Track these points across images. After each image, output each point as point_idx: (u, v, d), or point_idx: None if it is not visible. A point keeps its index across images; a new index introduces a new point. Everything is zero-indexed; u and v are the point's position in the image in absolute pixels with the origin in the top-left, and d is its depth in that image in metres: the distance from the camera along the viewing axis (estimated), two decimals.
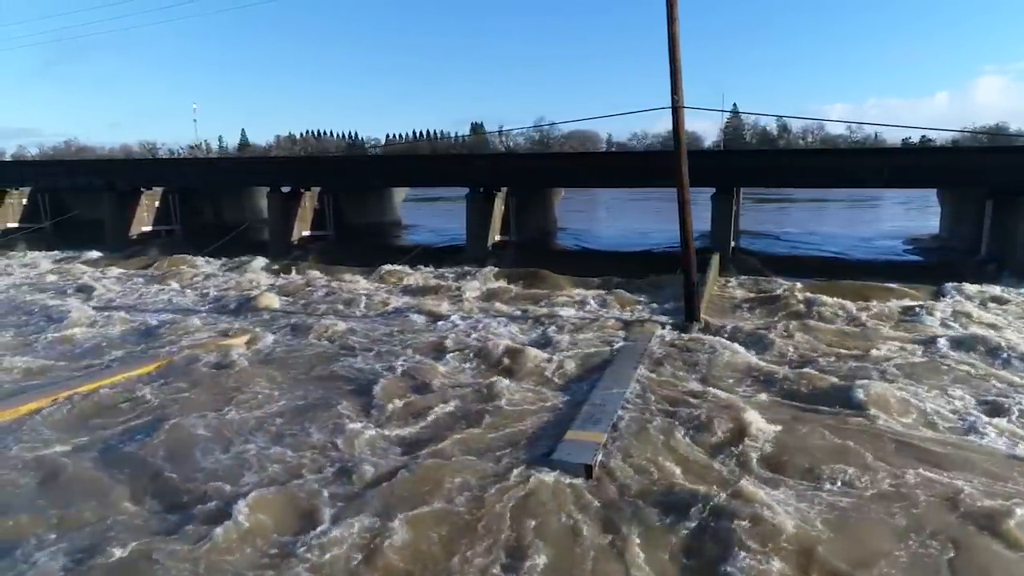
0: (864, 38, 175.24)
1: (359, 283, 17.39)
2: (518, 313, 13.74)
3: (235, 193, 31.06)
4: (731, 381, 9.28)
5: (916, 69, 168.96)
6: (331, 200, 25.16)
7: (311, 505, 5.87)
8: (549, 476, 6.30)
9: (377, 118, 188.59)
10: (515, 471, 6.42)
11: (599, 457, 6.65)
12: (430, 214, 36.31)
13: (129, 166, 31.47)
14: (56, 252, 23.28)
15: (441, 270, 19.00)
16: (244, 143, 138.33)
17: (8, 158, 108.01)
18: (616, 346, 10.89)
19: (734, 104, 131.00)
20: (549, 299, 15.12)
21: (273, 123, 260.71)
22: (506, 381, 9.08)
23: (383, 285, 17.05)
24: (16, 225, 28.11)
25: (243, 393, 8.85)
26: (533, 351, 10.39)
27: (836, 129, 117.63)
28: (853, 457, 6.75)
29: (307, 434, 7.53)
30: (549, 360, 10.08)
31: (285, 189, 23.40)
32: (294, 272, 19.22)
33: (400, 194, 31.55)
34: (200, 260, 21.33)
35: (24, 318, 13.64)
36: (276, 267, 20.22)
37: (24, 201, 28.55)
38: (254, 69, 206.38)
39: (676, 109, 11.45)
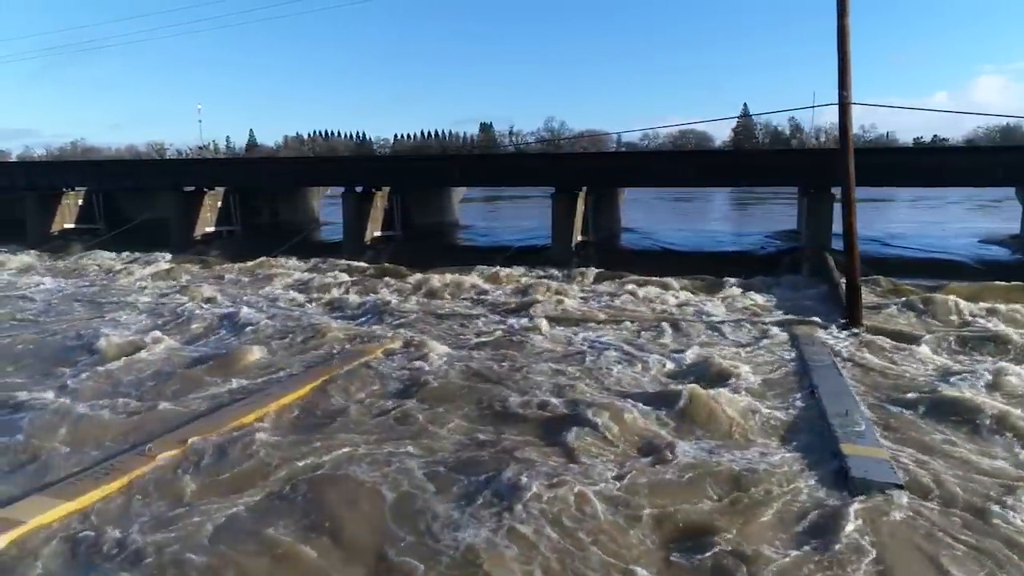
0: (864, 38, 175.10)
1: (465, 282, 17.06)
2: (647, 313, 13.42)
3: (289, 193, 30.69)
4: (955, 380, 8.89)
5: (915, 69, 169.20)
6: (399, 200, 24.83)
7: None
8: (875, 499, 5.87)
9: (383, 119, 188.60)
10: (832, 497, 5.99)
11: (898, 472, 6.28)
12: (479, 215, 35.88)
13: (194, 166, 31.09)
14: (125, 253, 22.80)
15: (536, 270, 18.66)
16: (252, 143, 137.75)
17: (14, 159, 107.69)
18: (794, 352, 10.43)
19: (744, 105, 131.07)
20: (670, 300, 14.68)
21: (277, 124, 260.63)
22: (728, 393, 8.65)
23: (495, 285, 16.65)
24: (72, 226, 27.70)
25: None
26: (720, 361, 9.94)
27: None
28: None
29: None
30: (736, 368, 9.67)
31: (358, 189, 23.11)
32: (386, 274, 18.76)
33: (458, 195, 31.17)
34: (280, 260, 20.94)
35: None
36: (362, 268, 19.83)
37: (80, 202, 28.11)
38: (258, 70, 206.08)
39: (844, 105, 11.09)
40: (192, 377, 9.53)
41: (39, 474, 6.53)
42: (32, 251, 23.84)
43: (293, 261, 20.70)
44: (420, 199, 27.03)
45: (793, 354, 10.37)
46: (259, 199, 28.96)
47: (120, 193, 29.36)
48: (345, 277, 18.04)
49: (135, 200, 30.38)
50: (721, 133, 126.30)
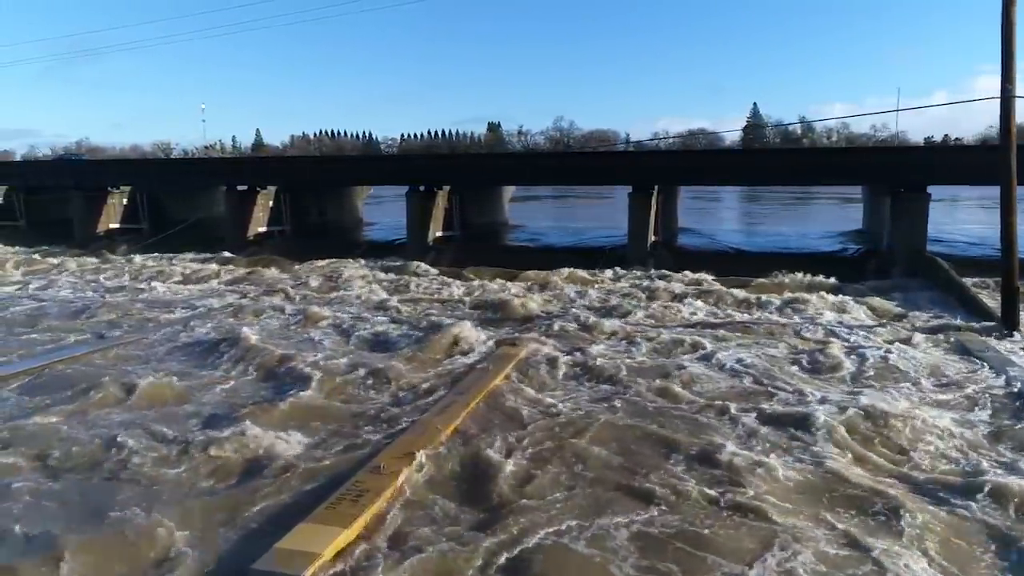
0: (863, 38, 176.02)
1: (553, 282, 16.62)
2: (778, 322, 12.83)
3: (336, 193, 30.08)
4: None
5: (915, 68, 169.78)
6: (459, 200, 24.28)
7: None
8: None
9: (388, 119, 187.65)
10: None
11: None
12: (521, 215, 35.25)
13: (247, 164, 30.49)
14: (189, 253, 22.17)
15: (630, 272, 18.23)
16: (259, 143, 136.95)
17: (18, 158, 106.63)
18: (991, 372, 9.35)
19: (754, 104, 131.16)
20: (781, 303, 14.13)
21: (280, 123, 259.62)
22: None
23: (585, 287, 16.22)
24: (117, 226, 27.03)
25: None
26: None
27: (859, 128, 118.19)
28: None
29: None
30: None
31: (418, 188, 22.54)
32: (474, 277, 18.19)
33: (508, 194, 30.65)
34: (348, 262, 20.39)
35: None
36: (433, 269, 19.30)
37: (124, 201, 27.44)
38: (261, 69, 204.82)
39: (1008, 99, 10.65)
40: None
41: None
42: (80, 251, 23.20)
43: (363, 263, 20.16)
44: (476, 199, 26.50)
45: (998, 378, 9.00)
46: (307, 199, 28.35)
47: (162, 193, 28.71)
48: (426, 280, 17.55)
49: (178, 200, 29.76)
50: (730, 134, 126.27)
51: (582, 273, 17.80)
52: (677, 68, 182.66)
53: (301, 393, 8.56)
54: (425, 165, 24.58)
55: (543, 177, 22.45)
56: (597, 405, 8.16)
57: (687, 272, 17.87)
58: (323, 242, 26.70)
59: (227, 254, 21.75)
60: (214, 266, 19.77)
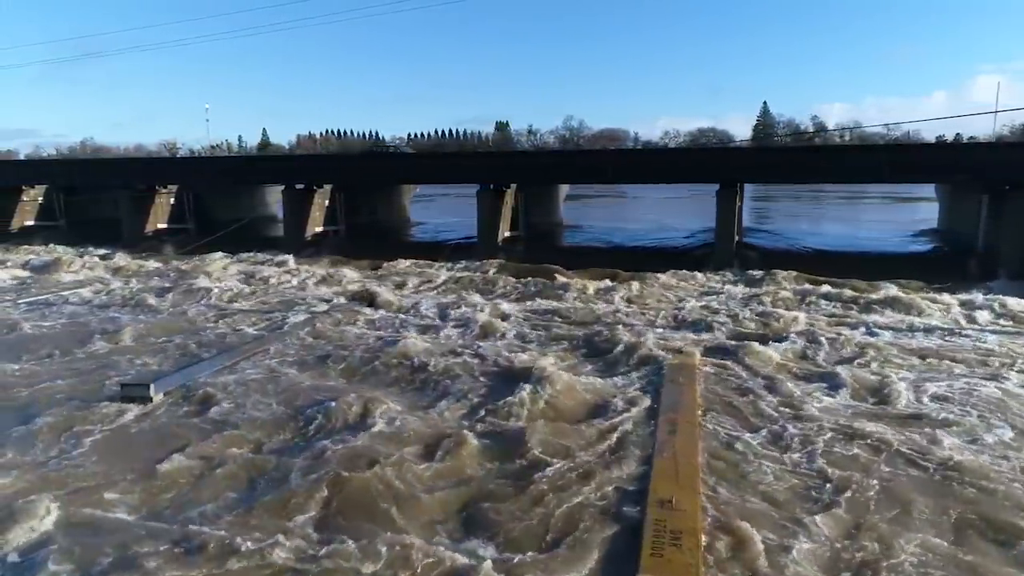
0: (861, 37, 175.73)
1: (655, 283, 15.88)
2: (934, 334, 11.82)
3: (386, 192, 29.31)
4: None
5: (914, 68, 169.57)
6: (523, 199, 23.53)
7: None
8: None
9: (394, 118, 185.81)
10: None
11: None
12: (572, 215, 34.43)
13: (307, 162, 29.77)
14: (247, 255, 21.31)
15: (723, 273, 17.50)
16: (266, 142, 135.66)
17: (21, 158, 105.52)
18: None
19: (764, 103, 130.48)
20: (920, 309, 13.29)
21: (285, 123, 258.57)
22: None
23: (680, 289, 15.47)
24: (165, 226, 26.19)
25: None
26: None
27: (872, 127, 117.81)
28: None
29: None
30: None
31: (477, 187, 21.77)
32: (557, 277, 17.38)
33: (562, 193, 29.90)
34: (422, 262, 19.62)
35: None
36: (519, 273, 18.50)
37: (172, 200, 26.60)
38: (265, 69, 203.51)
39: None
40: None
41: None
42: (133, 252, 22.29)
43: (437, 264, 19.38)
44: (535, 198, 25.74)
45: None
46: (359, 198, 27.55)
47: (206, 193, 27.90)
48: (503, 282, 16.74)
49: (222, 200, 28.98)
50: (741, 131, 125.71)
51: (667, 277, 16.84)
52: (677, 68, 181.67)
53: None
54: (495, 165, 23.70)
55: (627, 176, 21.63)
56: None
57: (782, 272, 17.10)
58: (377, 242, 25.99)
59: (283, 256, 20.86)
60: (319, 269, 18.73)
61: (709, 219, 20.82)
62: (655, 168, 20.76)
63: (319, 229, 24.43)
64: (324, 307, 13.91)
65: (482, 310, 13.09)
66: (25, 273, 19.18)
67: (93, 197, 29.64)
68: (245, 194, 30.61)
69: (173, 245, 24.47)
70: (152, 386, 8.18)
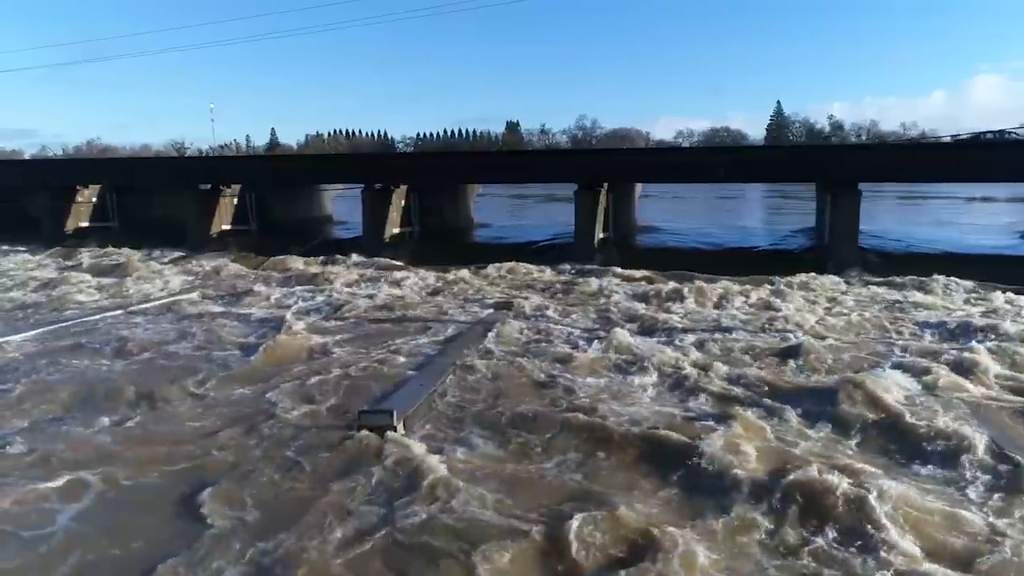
0: (860, 37, 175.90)
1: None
2: None
3: (451, 192, 28.22)
4: None
5: (912, 67, 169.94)
6: (612, 199, 22.50)
7: None
8: None
9: (402, 117, 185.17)
10: None
11: None
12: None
13: (384, 161, 28.72)
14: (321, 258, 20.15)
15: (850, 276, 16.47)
16: (274, 143, 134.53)
17: (27, 157, 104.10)
18: None
19: (778, 102, 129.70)
20: None
21: (290, 123, 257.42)
22: None
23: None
24: (228, 227, 25.02)
25: None
26: None
27: (888, 126, 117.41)
28: None
29: None
30: None
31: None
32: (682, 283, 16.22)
33: (639, 191, 28.85)
34: (530, 266, 18.52)
35: None
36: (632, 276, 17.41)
37: (235, 201, 25.44)
38: (270, 69, 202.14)
39: None
40: None
41: None
42: (199, 254, 21.18)
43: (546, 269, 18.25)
44: (621, 197, 24.71)
45: None
46: (429, 198, 26.45)
47: (266, 192, 26.79)
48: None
49: (282, 199, 27.89)
50: (755, 132, 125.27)
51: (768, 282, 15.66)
52: (676, 68, 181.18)
53: None
54: (592, 163, 22.69)
55: (739, 174, 20.65)
56: None
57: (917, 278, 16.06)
58: (453, 245, 24.98)
59: (354, 257, 19.78)
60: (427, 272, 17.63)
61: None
62: (773, 164, 20.03)
63: (396, 231, 23.33)
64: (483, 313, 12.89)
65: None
66: (189, 278, 17.64)
67: (146, 197, 28.51)
68: (302, 195, 29.55)
69: (237, 247, 23.33)
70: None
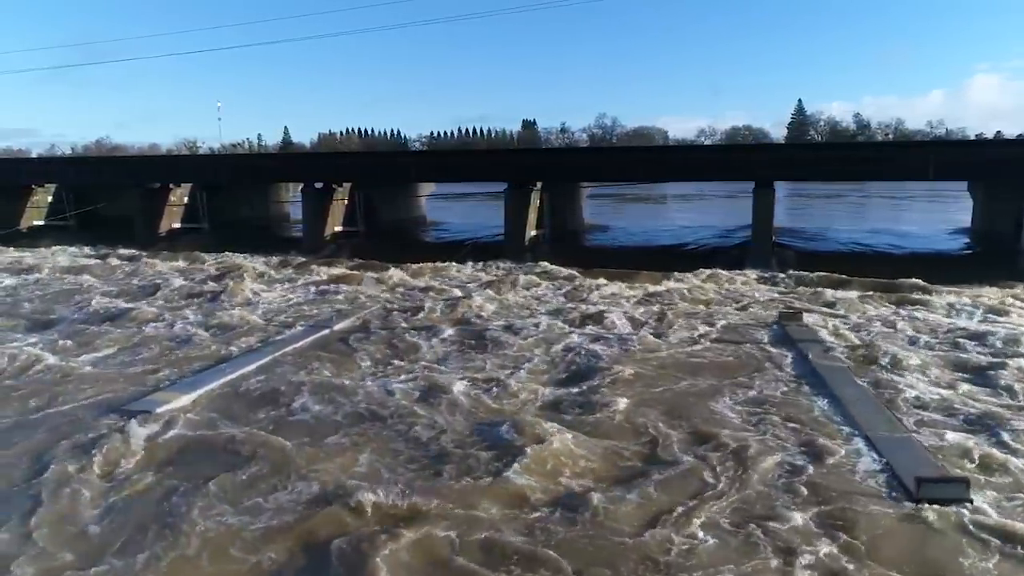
0: (859, 37, 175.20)
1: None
2: None
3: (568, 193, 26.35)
4: None
5: (911, 67, 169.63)
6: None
7: None
8: None
9: (412, 115, 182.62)
10: None
11: None
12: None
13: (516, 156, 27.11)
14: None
15: None
16: (288, 141, 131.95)
17: (33, 156, 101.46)
18: None
19: (800, 100, 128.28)
20: None
21: (302, 122, 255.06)
22: None
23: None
24: (340, 229, 23.01)
25: None
26: None
27: (914, 125, 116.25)
28: None
29: None
30: None
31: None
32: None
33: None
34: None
35: None
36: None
37: (345, 201, 23.41)
38: (276, 68, 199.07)
39: None
40: None
41: None
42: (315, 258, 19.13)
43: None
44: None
45: None
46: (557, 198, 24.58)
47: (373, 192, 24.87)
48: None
49: (387, 198, 26.04)
50: (776, 131, 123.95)
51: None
52: (676, 68, 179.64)
53: None
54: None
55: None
56: None
57: None
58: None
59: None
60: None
61: None
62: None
63: (533, 232, 21.45)
64: None
65: None
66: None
67: (232, 197, 26.53)
68: (400, 194, 27.75)
69: (351, 251, 21.31)
70: None
